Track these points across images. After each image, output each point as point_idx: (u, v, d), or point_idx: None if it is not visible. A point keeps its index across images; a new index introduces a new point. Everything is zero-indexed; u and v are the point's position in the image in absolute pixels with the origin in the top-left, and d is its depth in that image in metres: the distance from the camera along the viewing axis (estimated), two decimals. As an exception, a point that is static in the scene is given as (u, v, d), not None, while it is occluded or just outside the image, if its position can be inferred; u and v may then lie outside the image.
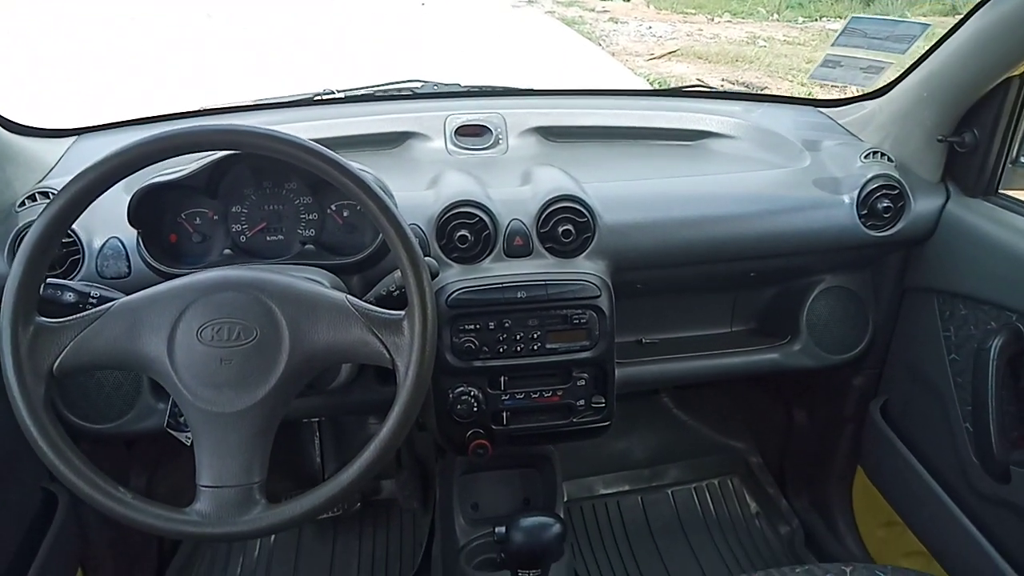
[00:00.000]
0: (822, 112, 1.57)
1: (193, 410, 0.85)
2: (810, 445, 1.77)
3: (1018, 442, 1.19)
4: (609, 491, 1.88)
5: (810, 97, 1.63)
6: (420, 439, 1.83)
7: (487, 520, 1.41)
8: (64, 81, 6.88)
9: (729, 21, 10.72)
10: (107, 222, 1.14)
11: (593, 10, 11.95)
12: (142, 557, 1.58)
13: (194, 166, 1.09)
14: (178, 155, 0.85)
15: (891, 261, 1.45)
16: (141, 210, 1.07)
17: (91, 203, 0.84)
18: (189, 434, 0.88)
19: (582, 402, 1.24)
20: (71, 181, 0.82)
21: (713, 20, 10.77)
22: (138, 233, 1.09)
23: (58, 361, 0.83)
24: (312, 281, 0.95)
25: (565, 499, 1.83)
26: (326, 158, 0.85)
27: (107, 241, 1.14)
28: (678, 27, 10.15)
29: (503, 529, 1.09)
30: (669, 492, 1.88)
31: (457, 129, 1.44)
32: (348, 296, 0.90)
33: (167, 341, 0.84)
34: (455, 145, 1.43)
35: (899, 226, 1.34)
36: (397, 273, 1.01)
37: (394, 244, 0.87)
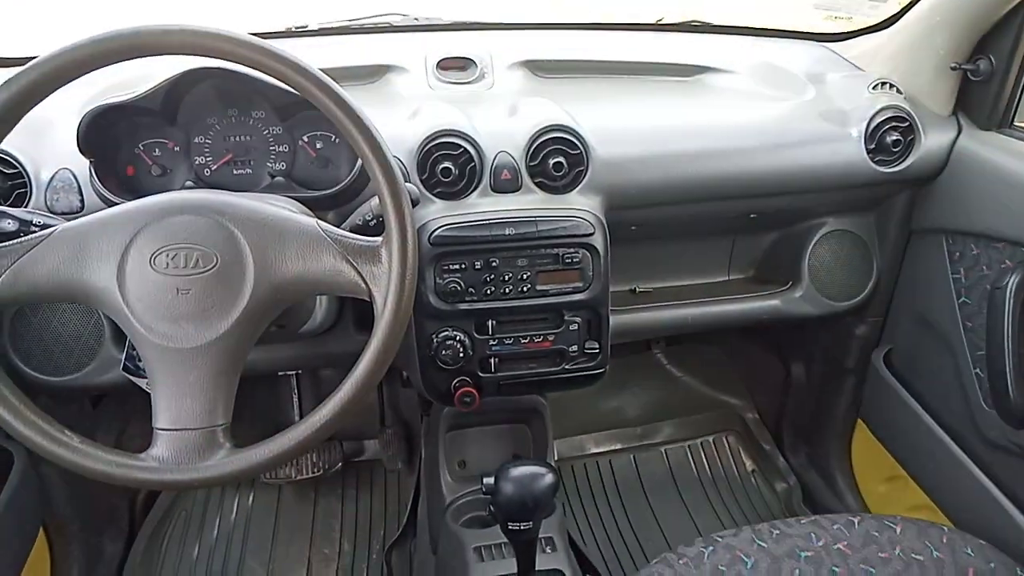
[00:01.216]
0: (826, 47, 1.49)
1: (148, 346, 0.76)
2: (808, 400, 1.71)
3: (1034, 385, 1.13)
4: (600, 449, 1.82)
5: (813, 32, 1.54)
6: (404, 397, 1.76)
7: (474, 477, 1.34)
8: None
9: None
10: (57, 153, 1.04)
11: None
12: (111, 519, 1.50)
13: (148, 86, 0.99)
14: (130, 58, 0.75)
15: (897, 202, 1.38)
16: (92, 136, 0.98)
17: (27, 110, 0.74)
18: (149, 381, 0.80)
19: (575, 347, 1.16)
20: (2, 84, 0.72)
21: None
22: (91, 163, 1.00)
23: None
24: (280, 207, 0.86)
25: (556, 458, 1.77)
26: (287, 61, 0.75)
27: (57, 172, 1.04)
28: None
29: (491, 480, 1.01)
30: (662, 450, 1.82)
31: (439, 62, 1.34)
32: (320, 222, 0.81)
33: (117, 269, 0.75)
34: (437, 79, 1.33)
35: (908, 161, 1.27)
36: (374, 201, 0.92)
37: (368, 161, 0.78)
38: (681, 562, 1.00)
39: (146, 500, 1.59)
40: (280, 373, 1.58)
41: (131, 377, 1.05)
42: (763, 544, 1.02)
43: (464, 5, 1.56)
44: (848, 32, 1.48)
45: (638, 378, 1.92)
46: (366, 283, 0.79)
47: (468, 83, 1.34)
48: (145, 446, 0.77)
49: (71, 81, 0.73)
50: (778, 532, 1.04)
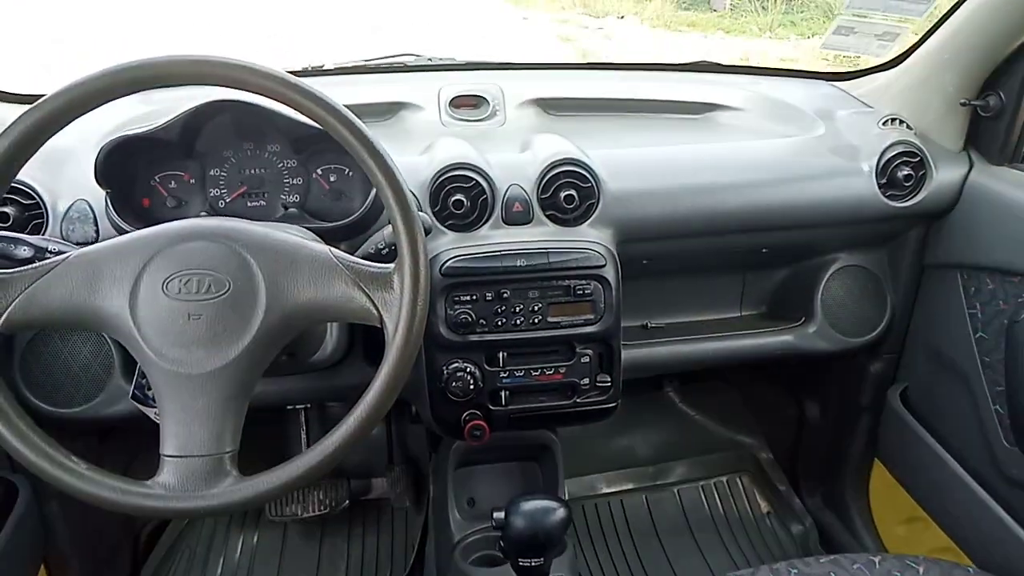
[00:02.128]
0: (835, 86, 1.50)
1: (158, 372, 0.76)
2: (824, 439, 1.68)
3: (1056, 421, 1.11)
4: (612, 490, 1.79)
5: (822, 71, 1.56)
6: (413, 435, 1.74)
7: (484, 515, 1.32)
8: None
9: (722, 39, 10.74)
10: (75, 183, 1.05)
11: (587, 28, 11.98)
12: (114, 556, 1.48)
13: (167, 119, 1.01)
14: (146, 88, 0.76)
15: (910, 238, 1.37)
16: (110, 168, 0.99)
17: (45, 140, 0.75)
18: (158, 409, 0.79)
19: (586, 380, 1.15)
20: (20, 116, 0.74)
21: (706, 37, 10.78)
22: (107, 194, 1.01)
23: (5, 314, 0.74)
24: (292, 235, 0.86)
25: (567, 497, 1.73)
26: (306, 92, 0.76)
27: (73, 203, 1.05)
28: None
29: (502, 515, 0.99)
30: (675, 491, 1.78)
31: (452, 100, 1.36)
32: (332, 249, 0.82)
33: (129, 294, 0.76)
34: (450, 116, 1.36)
35: (920, 196, 1.27)
36: (387, 230, 0.93)
37: (381, 188, 0.78)
38: None
39: (149, 538, 1.56)
40: (288, 407, 1.56)
41: (140, 406, 1.05)
42: None
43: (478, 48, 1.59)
44: (856, 71, 1.50)
45: (650, 417, 1.89)
46: (377, 310, 0.79)
47: (480, 120, 1.36)
48: (151, 476, 0.75)
49: (96, 107, 0.75)
50: (796, 571, 1.00)
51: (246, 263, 0.77)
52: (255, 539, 1.61)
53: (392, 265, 0.80)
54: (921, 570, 1.01)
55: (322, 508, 1.59)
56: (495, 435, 1.31)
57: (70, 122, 0.75)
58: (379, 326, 0.79)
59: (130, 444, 1.47)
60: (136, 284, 0.76)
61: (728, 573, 1.01)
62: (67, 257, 0.77)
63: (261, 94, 0.76)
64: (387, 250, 0.92)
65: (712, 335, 1.39)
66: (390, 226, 0.83)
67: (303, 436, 1.66)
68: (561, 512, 0.98)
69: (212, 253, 0.77)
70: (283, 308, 0.78)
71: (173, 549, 1.56)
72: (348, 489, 1.65)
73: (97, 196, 1.03)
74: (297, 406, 1.57)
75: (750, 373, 1.87)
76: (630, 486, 1.79)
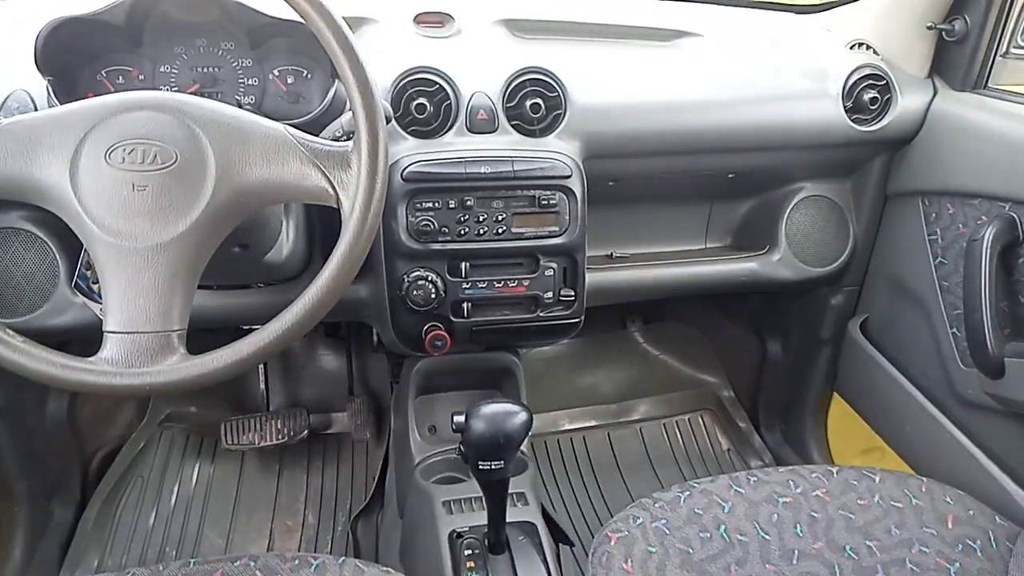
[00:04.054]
0: (804, 17, 1.49)
1: (101, 246, 0.72)
2: (784, 376, 1.69)
3: (1010, 337, 1.12)
4: (575, 426, 1.79)
5: (790, 3, 1.55)
6: (373, 369, 1.72)
7: (445, 440, 1.30)
8: None
9: None
10: (13, 71, 0.99)
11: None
12: (62, 484, 1.43)
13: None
14: None
15: (873, 167, 1.38)
16: (50, 53, 0.94)
17: None
18: (101, 286, 0.75)
19: (550, 294, 1.14)
20: None
21: None
22: (49, 82, 0.96)
23: None
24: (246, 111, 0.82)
25: (530, 433, 1.73)
26: None
27: (12, 93, 0.99)
28: None
29: (462, 418, 0.98)
30: (638, 428, 1.79)
31: (416, 16, 1.32)
32: (288, 127, 0.78)
33: (69, 163, 0.71)
34: (414, 32, 1.31)
35: (885, 121, 1.27)
36: (345, 117, 0.90)
37: (337, 59, 0.75)
38: (656, 506, 0.97)
39: (100, 465, 1.52)
40: (245, 328, 1.52)
41: (84, 298, 1.00)
42: (740, 490, 0.99)
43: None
44: (824, 3, 1.49)
45: (614, 356, 1.89)
46: (334, 189, 0.76)
47: (445, 38, 1.33)
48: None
49: None
50: (755, 479, 1.01)
51: (195, 135, 0.74)
52: (211, 468, 1.58)
53: (350, 143, 0.77)
54: (877, 479, 1.03)
55: (280, 437, 1.56)
56: (456, 358, 1.30)
57: None
58: (335, 207, 0.77)
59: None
60: (77, 153, 0.72)
61: (688, 481, 1.01)
62: (0, 123, 0.73)
63: None
64: (346, 138, 0.88)
65: (677, 261, 1.38)
66: (348, 113, 0.80)
67: (260, 370, 1.63)
68: (522, 415, 0.96)
69: (159, 123, 0.73)
70: (234, 184, 0.74)
71: (125, 477, 1.51)
72: (307, 419, 1.62)
73: (39, 87, 0.98)
74: (255, 326, 1.53)
75: (713, 312, 1.88)
76: (593, 423, 1.80)
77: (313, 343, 1.76)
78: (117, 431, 1.58)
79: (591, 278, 1.26)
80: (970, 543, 0.94)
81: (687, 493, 0.98)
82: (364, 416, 1.64)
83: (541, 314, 1.15)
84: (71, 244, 1.07)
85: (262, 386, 1.65)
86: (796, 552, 0.91)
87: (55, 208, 0.74)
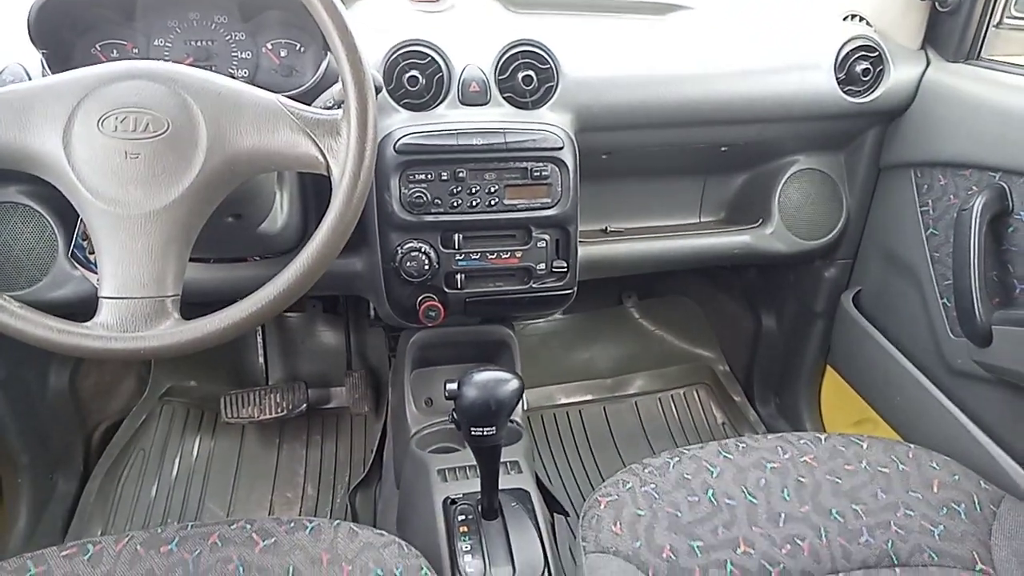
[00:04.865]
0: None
1: (95, 213, 0.73)
2: (778, 349, 1.71)
3: (998, 306, 1.13)
4: (571, 400, 1.81)
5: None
6: (371, 344, 1.73)
7: (442, 412, 1.32)
8: None
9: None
10: (8, 45, 1.00)
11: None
12: (65, 456, 1.46)
13: None
14: None
15: (866, 140, 1.38)
16: (44, 26, 0.95)
17: None
18: (96, 253, 0.76)
19: (542, 265, 1.15)
20: None
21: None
22: (43, 55, 0.96)
23: None
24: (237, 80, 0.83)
25: (526, 407, 1.75)
26: None
27: (7, 67, 1.00)
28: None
29: (455, 385, 0.99)
30: (633, 402, 1.81)
31: None
32: (279, 96, 0.79)
33: (63, 132, 0.72)
34: (408, 7, 1.32)
35: (878, 92, 1.27)
36: (336, 87, 0.90)
37: (327, 29, 0.76)
38: (646, 471, 0.99)
39: (102, 438, 1.54)
40: None
41: (79, 267, 1.02)
42: (729, 456, 1.01)
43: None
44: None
45: (610, 331, 1.91)
46: (324, 157, 0.77)
47: (439, 12, 1.33)
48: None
49: None
50: (744, 446, 1.03)
51: (186, 104, 0.75)
52: (212, 442, 1.60)
53: (340, 111, 0.78)
54: (864, 446, 1.04)
55: (279, 411, 1.58)
56: (451, 331, 1.31)
57: None
58: (325, 174, 0.78)
59: None
60: (70, 121, 0.72)
61: (677, 448, 1.03)
62: None
63: None
64: (336, 107, 0.89)
65: (671, 234, 1.39)
66: (339, 84, 0.81)
67: (259, 343, 1.65)
68: (514, 383, 0.98)
69: (151, 92, 0.74)
70: (225, 152, 0.75)
71: (126, 450, 1.54)
72: (306, 393, 1.64)
73: (33, 61, 0.98)
74: None
75: (708, 287, 1.89)
76: (588, 397, 1.82)
77: (312, 319, 1.77)
78: (118, 405, 1.60)
79: (586, 252, 1.27)
80: (954, 506, 0.95)
81: (676, 459, 1.00)
82: (362, 390, 1.66)
83: (534, 285, 1.16)
84: (69, 218, 1.09)
85: (261, 361, 1.67)
86: (783, 515, 0.93)
87: (50, 176, 0.75)
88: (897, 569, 0.89)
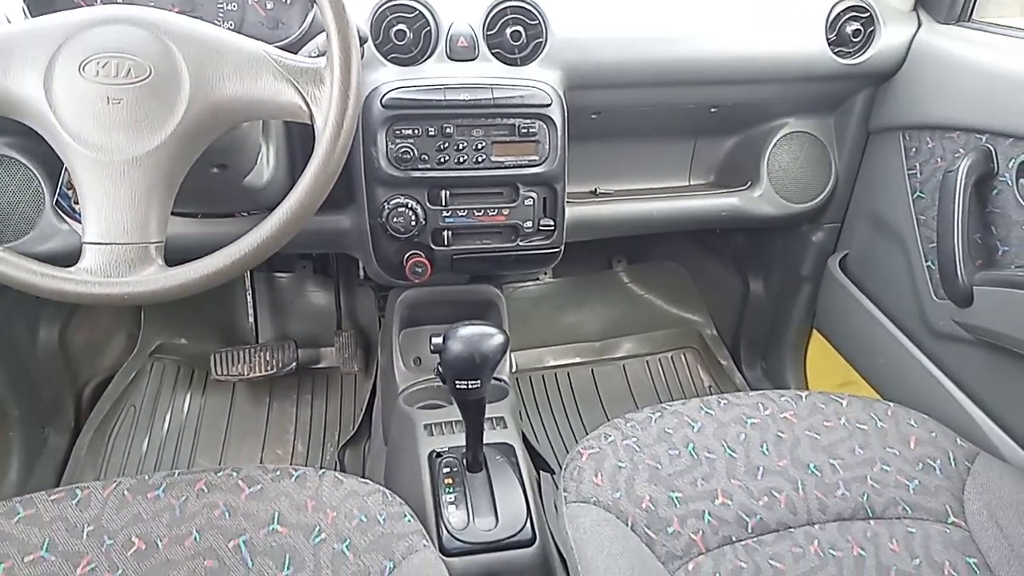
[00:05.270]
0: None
1: (78, 159, 0.73)
2: (765, 313, 1.72)
3: (980, 268, 1.14)
4: (559, 362, 1.82)
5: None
6: (362, 303, 1.74)
7: (430, 370, 1.33)
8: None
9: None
10: None
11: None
12: (55, 410, 1.47)
13: None
14: None
15: (856, 103, 1.38)
16: None
17: None
18: (79, 199, 0.76)
19: (529, 224, 1.15)
20: None
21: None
22: (24, 1, 0.95)
23: None
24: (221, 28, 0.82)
25: (515, 368, 1.76)
26: None
27: None
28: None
29: (440, 339, 1.00)
30: (621, 364, 1.83)
31: None
32: (264, 45, 0.79)
33: (44, 76, 0.72)
34: None
35: (868, 53, 1.27)
36: (320, 38, 0.90)
37: None
38: (628, 425, 1.00)
39: (93, 394, 1.56)
40: None
41: (64, 216, 1.02)
42: (710, 412, 1.02)
43: None
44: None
45: (599, 296, 1.92)
46: (308, 105, 0.77)
47: None
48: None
49: None
50: (726, 402, 1.04)
51: (169, 50, 0.74)
52: (202, 399, 1.61)
53: (323, 59, 0.78)
54: (844, 403, 1.06)
55: (269, 369, 1.59)
56: (439, 290, 1.32)
57: None
58: (309, 123, 0.78)
59: None
60: (51, 65, 0.72)
61: (660, 404, 1.04)
62: None
63: None
64: (320, 56, 0.89)
65: (660, 196, 1.40)
66: (323, 34, 0.80)
67: (248, 301, 1.65)
68: (498, 337, 0.99)
69: (133, 38, 0.74)
70: (208, 99, 0.75)
71: (117, 405, 1.55)
72: (295, 352, 1.65)
73: (14, 4, 0.97)
74: None
75: (697, 251, 1.90)
76: (577, 360, 1.83)
77: (302, 280, 1.78)
78: (108, 361, 1.61)
79: (575, 212, 1.27)
80: (930, 462, 0.97)
81: (658, 414, 1.01)
82: (352, 350, 1.68)
83: (521, 243, 1.16)
84: (56, 171, 1.08)
85: (250, 318, 1.68)
86: (761, 468, 0.94)
87: (31, 122, 0.74)
88: (871, 521, 0.91)
